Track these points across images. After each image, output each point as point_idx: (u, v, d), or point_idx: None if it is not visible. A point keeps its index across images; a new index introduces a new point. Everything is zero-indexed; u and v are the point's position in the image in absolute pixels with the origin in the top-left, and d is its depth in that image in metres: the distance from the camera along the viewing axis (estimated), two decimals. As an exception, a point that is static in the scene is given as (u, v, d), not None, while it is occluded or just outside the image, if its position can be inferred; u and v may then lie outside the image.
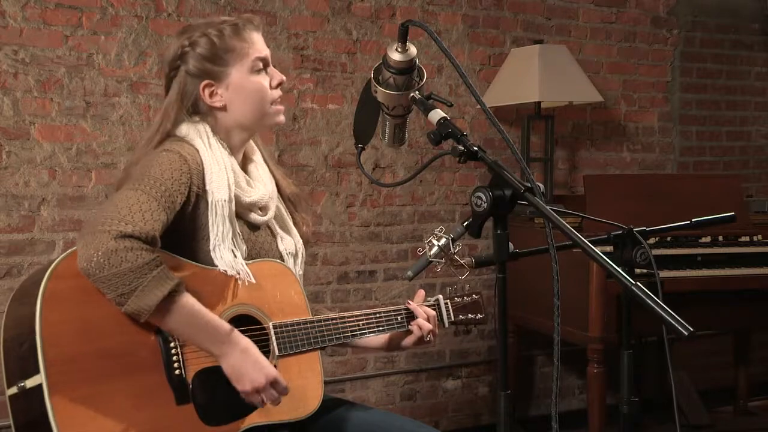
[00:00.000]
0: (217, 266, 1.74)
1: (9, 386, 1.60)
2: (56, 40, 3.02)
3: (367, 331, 1.95)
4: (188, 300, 1.64)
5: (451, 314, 2.10)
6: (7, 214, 2.97)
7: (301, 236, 1.99)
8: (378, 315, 1.97)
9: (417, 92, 1.54)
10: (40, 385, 1.54)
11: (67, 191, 3.06)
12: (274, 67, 1.92)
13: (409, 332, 2.00)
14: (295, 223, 2.00)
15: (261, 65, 1.87)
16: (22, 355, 1.57)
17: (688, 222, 1.91)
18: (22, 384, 1.56)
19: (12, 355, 1.61)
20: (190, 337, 1.68)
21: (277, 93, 1.90)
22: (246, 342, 1.71)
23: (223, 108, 1.86)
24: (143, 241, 1.59)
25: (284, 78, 1.92)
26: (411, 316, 2.00)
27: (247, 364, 1.69)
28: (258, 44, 1.87)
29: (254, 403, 1.72)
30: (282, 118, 1.92)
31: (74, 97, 3.05)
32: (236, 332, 1.70)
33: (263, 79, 1.87)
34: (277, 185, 1.99)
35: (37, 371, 1.54)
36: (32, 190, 3.01)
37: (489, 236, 3.38)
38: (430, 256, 1.55)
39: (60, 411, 1.53)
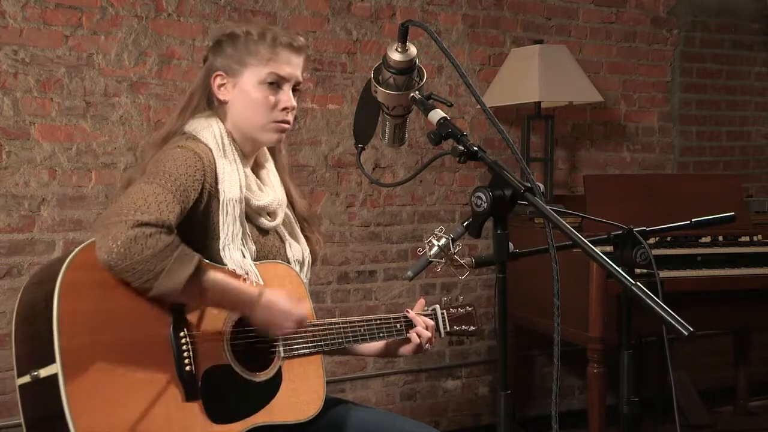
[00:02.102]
0: (226, 265, 1.76)
1: (21, 375, 1.59)
2: (56, 40, 3.02)
3: (367, 337, 1.98)
4: (211, 271, 1.68)
5: (447, 324, 2.13)
6: (7, 214, 2.97)
7: (312, 253, 2.01)
8: (378, 322, 2.00)
9: (417, 92, 1.54)
10: (55, 375, 1.53)
11: (67, 191, 3.06)
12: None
13: (407, 340, 2.03)
14: (308, 241, 2.02)
15: (276, 81, 1.84)
16: (37, 344, 1.57)
17: (688, 222, 1.91)
18: (36, 373, 1.55)
19: (25, 344, 1.61)
20: (218, 305, 1.74)
21: (281, 116, 1.86)
22: (270, 297, 1.75)
23: (225, 103, 1.87)
24: (160, 226, 1.60)
25: (294, 105, 1.88)
26: (409, 324, 2.03)
27: (274, 317, 1.76)
28: (284, 63, 1.85)
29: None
30: (275, 136, 1.89)
31: (74, 97, 3.05)
32: (261, 292, 1.74)
33: (271, 94, 1.85)
34: (290, 198, 2.01)
35: (52, 360, 1.53)
36: (32, 190, 3.01)
37: (489, 236, 3.37)
38: (430, 256, 1.55)
39: (75, 401, 1.53)
